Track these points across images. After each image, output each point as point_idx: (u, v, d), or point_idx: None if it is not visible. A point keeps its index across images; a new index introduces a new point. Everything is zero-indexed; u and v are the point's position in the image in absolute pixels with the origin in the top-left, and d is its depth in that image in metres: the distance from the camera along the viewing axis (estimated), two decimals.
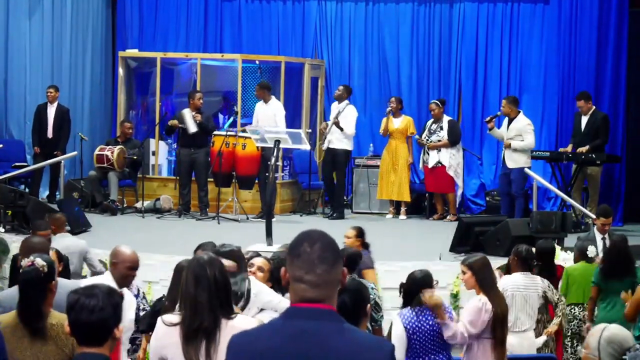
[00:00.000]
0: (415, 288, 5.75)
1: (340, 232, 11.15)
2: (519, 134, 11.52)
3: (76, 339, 3.22)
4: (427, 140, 12.43)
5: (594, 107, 12.17)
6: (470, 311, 5.81)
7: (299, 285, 2.65)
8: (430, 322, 5.64)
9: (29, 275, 4.20)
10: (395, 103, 12.62)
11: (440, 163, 12.33)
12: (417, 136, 12.63)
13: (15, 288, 4.95)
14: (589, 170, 12.01)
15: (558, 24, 13.27)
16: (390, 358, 2.63)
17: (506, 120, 11.82)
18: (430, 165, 12.41)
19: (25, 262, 4.27)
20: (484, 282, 5.86)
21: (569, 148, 12.29)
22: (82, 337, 3.19)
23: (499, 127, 11.90)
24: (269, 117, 12.03)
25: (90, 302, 3.16)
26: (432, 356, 5.64)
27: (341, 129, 12.24)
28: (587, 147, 11.93)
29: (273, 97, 12.34)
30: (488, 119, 12.00)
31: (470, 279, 5.88)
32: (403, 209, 12.76)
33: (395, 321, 5.74)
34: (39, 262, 4.24)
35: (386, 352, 2.63)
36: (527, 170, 11.44)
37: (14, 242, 9.16)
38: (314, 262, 2.64)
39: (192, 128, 11.99)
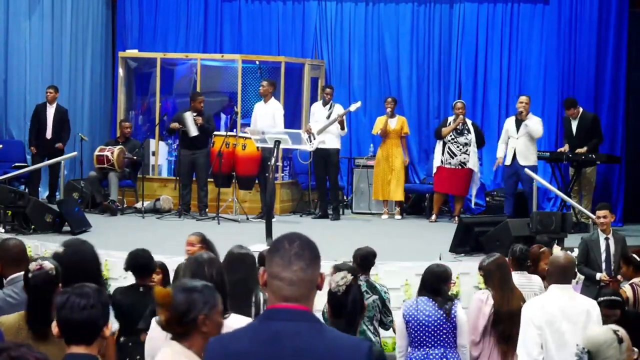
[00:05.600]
0: (431, 280, 5.80)
1: (340, 233, 11.19)
2: (529, 131, 11.57)
3: (65, 339, 3.19)
4: (454, 140, 12.14)
5: (581, 110, 12.19)
6: (470, 314, 5.90)
7: (276, 283, 2.67)
8: (427, 314, 5.67)
9: (39, 279, 4.15)
10: (393, 104, 12.59)
11: (464, 165, 12.16)
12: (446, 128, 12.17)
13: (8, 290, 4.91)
14: (583, 169, 12.04)
15: (558, 24, 13.27)
16: (368, 358, 2.63)
17: (512, 123, 11.74)
18: (451, 166, 12.16)
19: (33, 266, 4.23)
20: (492, 282, 6.01)
21: (566, 148, 12.31)
22: (72, 336, 3.17)
23: (498, 130, 11.89)
24: (268, 117, 12.03)
25: (81, 301, 3.15)
26: (427, 349, 5.67)
27: (343, 128, 12.27)
28: (585, 148, 11.96)
29: (272, 97, 12.34)
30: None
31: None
32: (397, 209, 12.74)
33: (400, 310, 5.85)
34: (47, 265, 4.18)
35: (363, 352, 2.64)
36: (527, 170, 11.43)
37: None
38: (291, 258, 2.66)
39: (193, 132, 12.00)
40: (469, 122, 12.30)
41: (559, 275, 5.26)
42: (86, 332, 3.15)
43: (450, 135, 12.17)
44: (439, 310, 5.69)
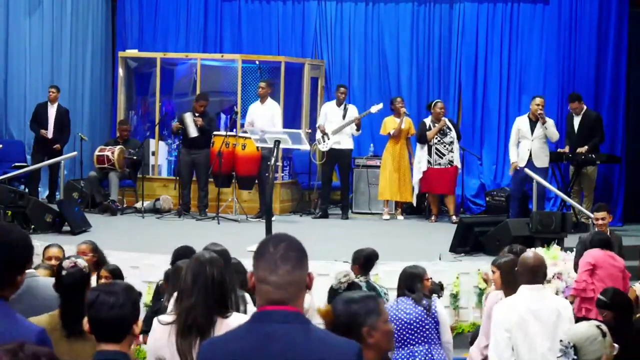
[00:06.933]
0: (406, 279, 5.85)
1: (340, 232, 11.19)
2: (548, 134, 11.57)
3: (95, 336, 3.22)
4: (440, 141, 12.17)
5: (585, 107, 12.18)
6: (488, 314, 5.92)
7: (264, 287, 2.66)
8: (408, 312, 5.70)
9: (74, 277, 4.18)
10: (403, 103, 12.60)
11: (452, 163, 12.19)
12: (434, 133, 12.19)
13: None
14: (584, 169, 12.03)
15: (558, 24, 13.27)
16: (357, 358, 2.63)
17: (525, 123, 11.64)
18: (441, 166, 12.17)
19: (67, 264, 4.23)
20: (509, 281, 5.94)
21: (566, 149, 12.29)
22: (102, 334, 3.19)
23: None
24: (267, 118, 12.02)
25: (110, 298, 3.17)
26: (412, 347, 5.72)
27: (358, 129, 12.36)
28: (586, 147, 11.94)
29: (269, 98, 12.35)
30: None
31: (498, 279, 6.00)
32: (399, 210, 12.74)
33: None
34: (81, 262, 4.23)
35: (353, 352, 2.64)
36: (527, 170, 11.41)
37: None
38: (277, 262, 2.65)
39: (193, 133, 12.03)
40: (446, 120, 12.35)
41: (528, 275, 5.27)
42: (115, 330, 3.16)
43: (436, 137, 12.20)
44: (418, 307, 5.73)
